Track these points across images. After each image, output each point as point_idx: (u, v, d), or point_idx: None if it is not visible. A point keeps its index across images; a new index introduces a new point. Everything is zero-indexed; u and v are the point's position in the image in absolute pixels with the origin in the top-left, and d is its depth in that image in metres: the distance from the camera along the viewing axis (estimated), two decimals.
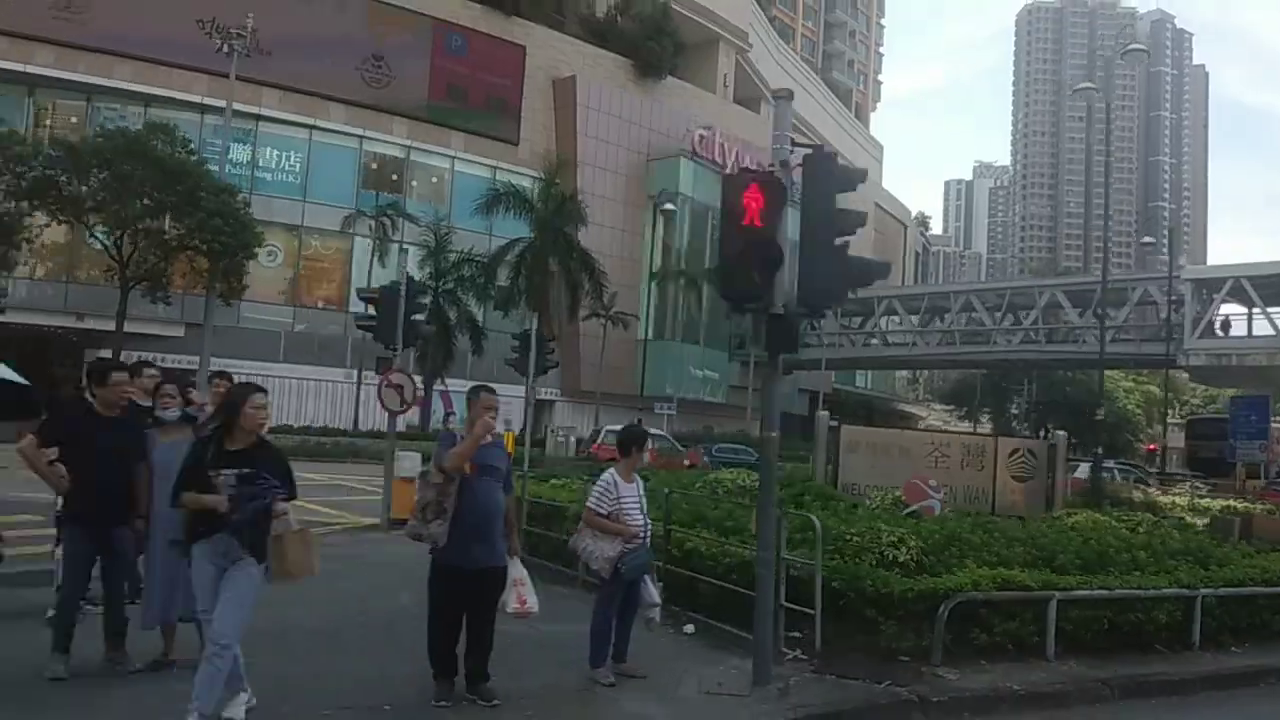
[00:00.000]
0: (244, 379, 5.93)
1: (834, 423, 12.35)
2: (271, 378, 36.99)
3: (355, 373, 38.99)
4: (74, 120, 37.69)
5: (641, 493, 6.39)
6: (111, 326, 35.52)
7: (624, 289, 42.25)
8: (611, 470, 6.37)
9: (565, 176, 45.07)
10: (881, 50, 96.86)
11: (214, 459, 4.84)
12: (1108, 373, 60.61)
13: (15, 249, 30.60)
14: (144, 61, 37.37)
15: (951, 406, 71.60)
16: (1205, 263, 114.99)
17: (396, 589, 8.30)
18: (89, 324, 36.81)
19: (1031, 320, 43.05)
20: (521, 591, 5.70)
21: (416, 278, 34.42)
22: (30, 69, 36.33)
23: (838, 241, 6.15)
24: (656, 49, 48.74)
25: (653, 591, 6.39)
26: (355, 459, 30.89)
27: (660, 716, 5.78)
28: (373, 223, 34.69)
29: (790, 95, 6.41)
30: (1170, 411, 62.34)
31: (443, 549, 5.49)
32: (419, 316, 18.04)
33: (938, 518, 9.52)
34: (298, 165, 40.25)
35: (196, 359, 35.09)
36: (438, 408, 40.28)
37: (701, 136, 48.54)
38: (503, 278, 36.29)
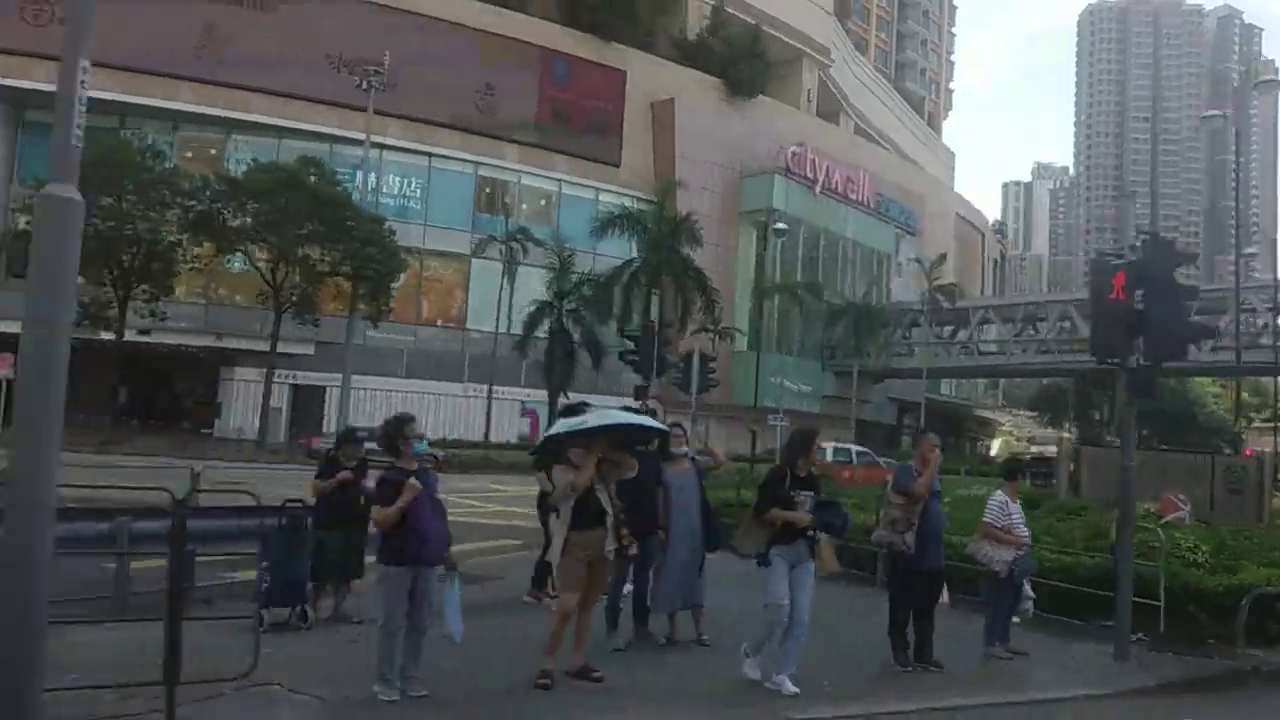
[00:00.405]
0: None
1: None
2: (397, 392, 39.20)
3: (475, 387, 41.05)
4: (213, 152, 40.14)
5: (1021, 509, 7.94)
6: (243, 345, 38.10)
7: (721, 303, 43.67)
8: (1000, 491, 7.97)
9: (666, 197, 46.76)
10: (953, 59, 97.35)
11: (791, 484, 6.43)
12: (1197, 379, 60.86)
13: (174, 275, 33.03)
14: (278, 96, 39.66)
15: (1034, 413, 71.92)
16: (1276, 262, 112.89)
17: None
18: (226, 343, 39.26)
19: None
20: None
21: (543, 298, 36.50)
22: (173, 105, 38.90)
23: (1175, 306, 7.50)
24: (747, 69, 50.13)
25: (1028, 590, 7.93)
26: (496, 470, 32.47)
27: (1065, 681, 7.26)
28: (502, 247, 36.48)
29: (1133, 195, 7.79)
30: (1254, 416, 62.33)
31: (907, 555, 7.11)
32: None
33: (1187, 526, 10.88)
34: (417, 191, 42.38)
35: (326, 375, 37.44)
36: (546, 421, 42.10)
37: (794, 154, 49.81)
38: (617, 296, 37.87)
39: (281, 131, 40.13)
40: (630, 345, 21.34)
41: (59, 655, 5.03)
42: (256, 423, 36.38)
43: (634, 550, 6.45)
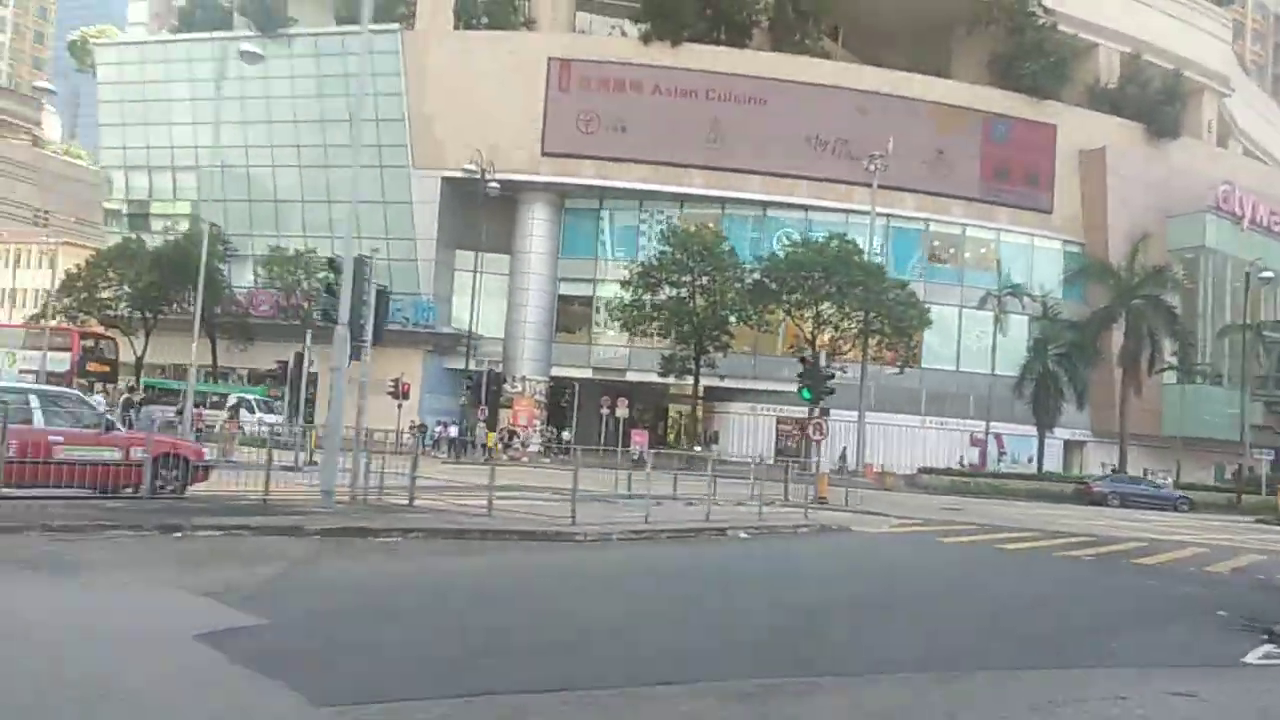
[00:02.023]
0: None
1: None
2: (852, 424, 44.56)
3: (932, 420, 46.22)
4: (710, 226, 47.76)
5: None
6: (743, 385, 45.12)
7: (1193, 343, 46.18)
8: None
9: (1095, 240, 49.78)
10: None
11: None
12: None
13: (729, 335, 40.29)
14: (768, 175, 46.65)
15: None
16: None
17: None
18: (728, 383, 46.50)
19: None
20: None
21: (1028, 345, 40.97)
22: (683, 189, 46.87)
23: None
24: (1169, 112, 52.06)
25: None
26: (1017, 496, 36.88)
27: None
28: (995, 299, 41.29)
29: None
30: None
31: None
32: None
33: None
34: (878, 247, 48.11)
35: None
36: (992, 449, 46.47)
37: (1224, 192, 51.12)
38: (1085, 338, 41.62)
39: (764, 205, 47.22)
40: None
41: None
42: (743, 448, 43.10)
43: None
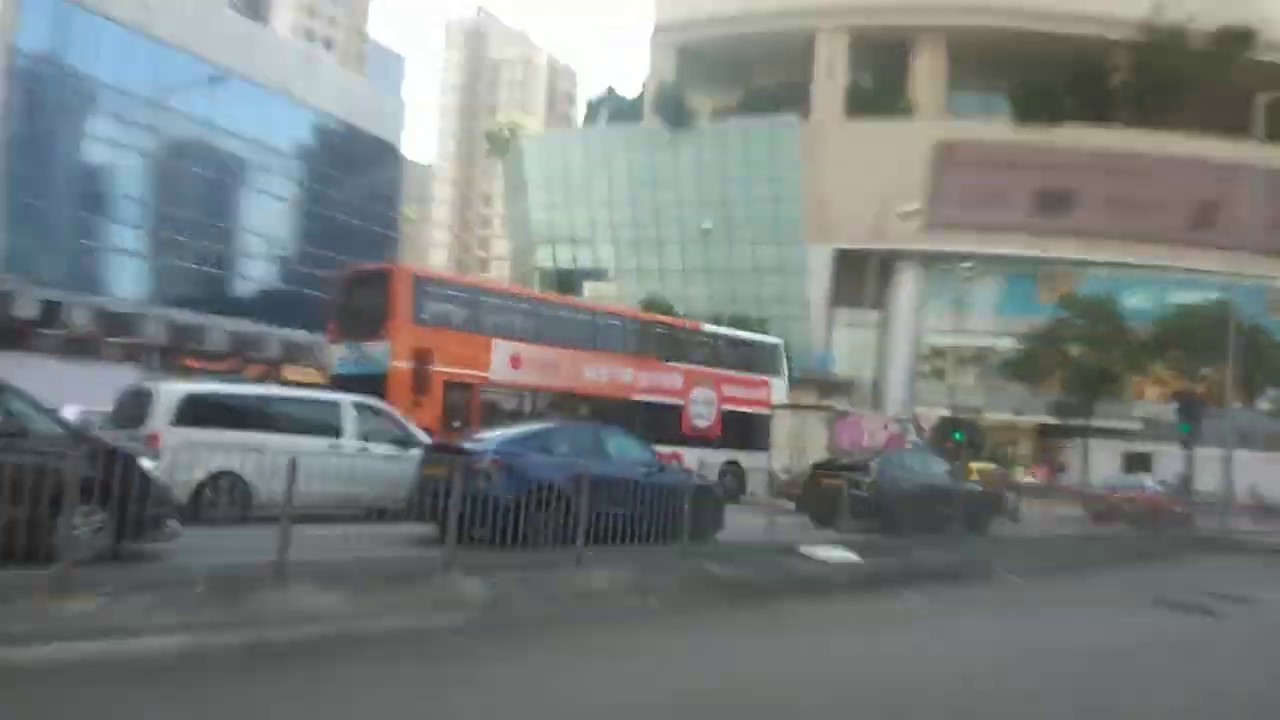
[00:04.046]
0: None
1: None
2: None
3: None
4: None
5: None
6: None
7: None
8: None
9: None
10: None
11: None
12: None
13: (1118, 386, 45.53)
14: (1130, 241, 51.64)
15: None
16: None
17: None
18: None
19: None
20: None
21: None
22: (1048, 254, 52.64)
23: None
24: None
25: None
26: None
27: None
28: None
29: None
30: None
31: None
32: None
33: None
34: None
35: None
36: None
37: None
38: None
39: (1128, 267, 52.15)
40: None
41: None
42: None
43: None
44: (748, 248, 56.06)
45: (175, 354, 33.54)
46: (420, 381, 16.34)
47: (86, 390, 20.11)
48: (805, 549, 12.39)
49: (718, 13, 59.80)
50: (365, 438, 13.06)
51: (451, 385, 17.01)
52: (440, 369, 16.84)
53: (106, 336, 32.67)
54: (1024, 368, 45.43)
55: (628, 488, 10.87)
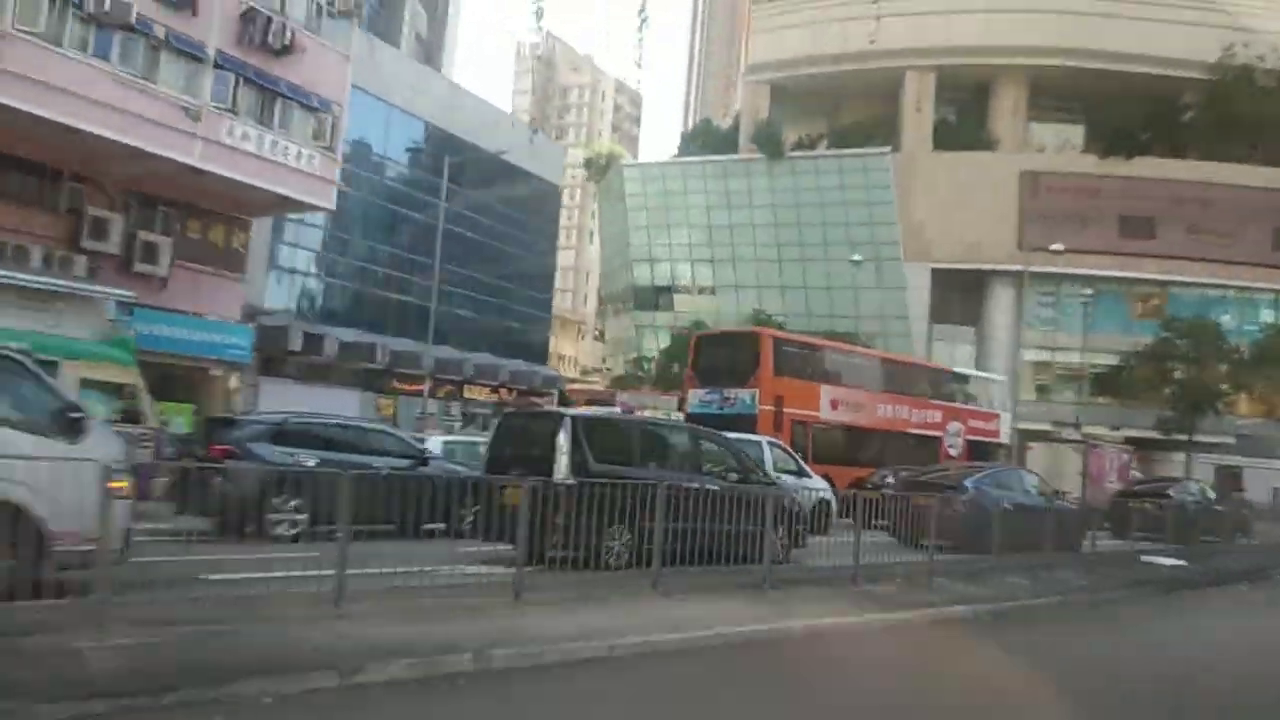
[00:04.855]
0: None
1: None
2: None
3: None
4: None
5: None
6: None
7: None
8: None
9: None
10: None
11: None
12: None
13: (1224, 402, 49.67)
14: (1207, 261, 56.27)
15: None
16: None
17: None
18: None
19: None
20: None
21: None
22: (1130, 274, 57.23)
23: None
24: None
25: None
26: None
27: None
28: None
29: None
30: None
31: None
32: None
33: None
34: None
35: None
36: None
37: None
38: None
39: (1205, 287, 56.79)
40: None
41: None
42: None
43: None
44: (845, 266, 60.69)
45: (389, 377, 38.11)
46: (778, 421, 21.00)
47: (323, 406, 21.04)
48: (1145, 558, 16.96)
49: (809, 53, 64.32)
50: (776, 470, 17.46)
51: (796, 423, 21.70)
52: (789, 410, 21.53)
53: (339, 362, 36.81)
54: (1125, 384, 49.89)
55: (1041, 512, 15.57)
